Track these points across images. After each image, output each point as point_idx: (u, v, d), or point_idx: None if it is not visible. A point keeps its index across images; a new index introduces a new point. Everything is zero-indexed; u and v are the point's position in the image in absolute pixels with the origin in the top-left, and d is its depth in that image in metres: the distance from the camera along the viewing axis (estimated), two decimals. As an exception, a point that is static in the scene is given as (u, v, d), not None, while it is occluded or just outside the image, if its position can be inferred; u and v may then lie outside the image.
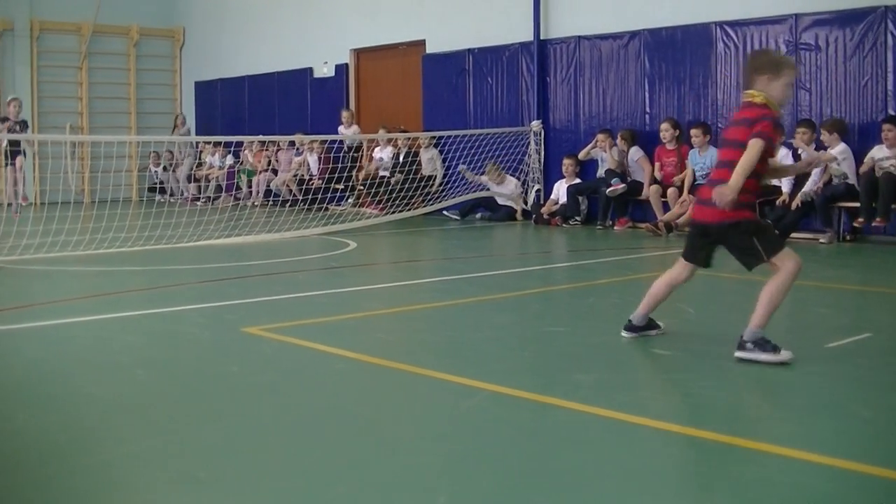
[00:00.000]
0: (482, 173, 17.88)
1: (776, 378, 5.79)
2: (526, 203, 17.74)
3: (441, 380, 5.63)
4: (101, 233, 13.41)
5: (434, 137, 18.84)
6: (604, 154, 16.34)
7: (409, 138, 19.22)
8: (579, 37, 17.35)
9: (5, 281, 10.69)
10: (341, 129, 20.58)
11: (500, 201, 17.90)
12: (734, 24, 15.27)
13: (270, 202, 20.82)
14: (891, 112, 13.62)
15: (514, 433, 4.64)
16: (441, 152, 18.93)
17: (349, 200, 19.77)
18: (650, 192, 15.41)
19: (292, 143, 21.20)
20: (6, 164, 18.19)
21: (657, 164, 15.71)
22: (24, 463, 4.26)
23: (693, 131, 15.06)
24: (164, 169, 24.97)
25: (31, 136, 22.91)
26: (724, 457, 4.28)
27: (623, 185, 15.75)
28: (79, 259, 11.85)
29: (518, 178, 17.89)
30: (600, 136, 16.38)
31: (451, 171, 18.62)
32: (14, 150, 18.17)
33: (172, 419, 4.95)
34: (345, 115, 20.77)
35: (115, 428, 4.79)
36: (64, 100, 25.08)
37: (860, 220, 13.14)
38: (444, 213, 17.88)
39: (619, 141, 16.08)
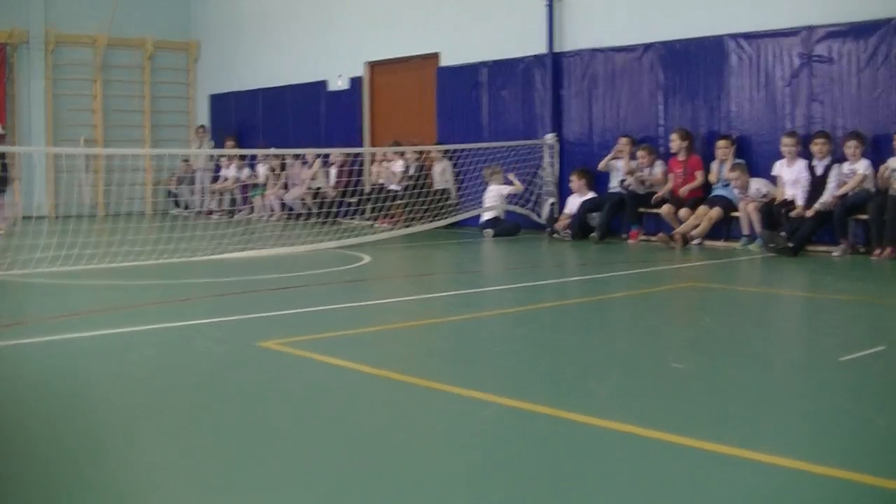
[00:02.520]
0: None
1: (793, 391, 5.79)
2: (540, 216, 17.71)
3: (456, 393, 5.63)
4: (115, 246, 13.44)
5: (448, 151, 18.82)
6: (620, 163, 16.34)
7: (419, 152, 19.22)
8: (593, 49, 17.37)
9: (21, 294, 10.74)
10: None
11: (486, 215, 17.77)
12: (747, 37, 15.28)
13: (286, 216, 20.85)
14: (904, 124, 13.62)
15: (528, 446, 4.64)
16: (455, 165, 18.92)
17: (363, 214, 19.72)
18: (662, 208, 15.42)
19: (303, 157, 21.26)
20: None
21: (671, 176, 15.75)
22: (41, 470, 4.28)
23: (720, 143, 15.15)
24: (180, 182, 24.99)
25: (46, 150, 23.12)
26: (738, 470, 4.27)
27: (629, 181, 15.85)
28: (93, 273, 11.88)
29: (533, 191, 17.85)
30: (622, 141, 16.39)
31: (465, 185, 18.60)
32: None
33: (188, 429, 4.97)
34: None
35: (131, 437, 4.82)
36: (79, 112, 25.12)
37: (878, 252, 13.07)
38: (483, 232, 17.59)
39: (640, 153, 16.03)
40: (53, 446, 4.70)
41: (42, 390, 5.97)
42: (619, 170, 16.39)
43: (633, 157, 16.28)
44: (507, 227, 17.32)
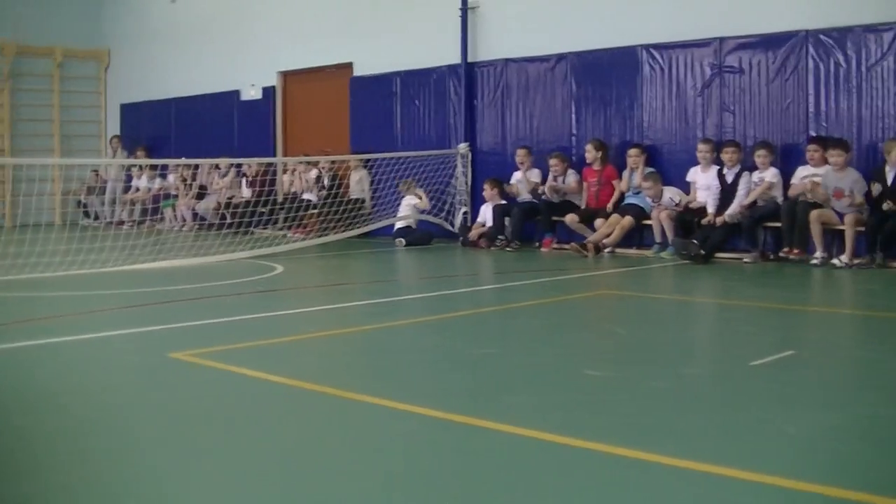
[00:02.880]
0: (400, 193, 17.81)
1: (703, 396, 5.84)
2: (453, 226, 17.74)
3: (372, 403, 5.60)
4: (23, 257, 13.24)
5: (364, 160, 18.81)
6: (518, 174, 16.49)
7: (333, 161, 19.16)
8: (507, 59, 17.46)
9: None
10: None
11: (399, 224, 17.75)
12: (660, 48, 15.45)
13: (196, 226, 20.69)
14: (811, 133, 13.84)
15: (446, 456, 4.62)
16: (370, 174, 18.91)
17: (276, 224, 19.60)
18: (567, 217, 15.52)
19: (218, 167, 21.14)
20: None
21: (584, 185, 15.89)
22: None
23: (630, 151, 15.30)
24: (90, 192, 24.68)
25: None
26: (652, 475, 4.29)
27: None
28: (0, 284, 11.68)
29: (446, 200, 17.87)
30: (520, 153, 16.52)
31: (379, 195, 18.58)
32: None
33: (101, 448, 4.88)
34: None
35: (38, 459, 4.71)
36: (-15, 122, 24.76)
37: (787, 250, 13.35)
38: (396, 241, 17.54)
39: (553, 162, 16.10)
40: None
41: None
42: (522, 181, 16.48)
43: (534, 166, 16.42)
44: (419, 236, 17.31)
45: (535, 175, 16.53)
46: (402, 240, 17.12)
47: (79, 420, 5.47)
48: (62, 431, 5.21)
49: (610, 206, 15.46)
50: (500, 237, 16.04)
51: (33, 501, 4.06)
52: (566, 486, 4.15)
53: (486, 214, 16.83)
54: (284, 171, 20.55)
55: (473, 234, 16.74)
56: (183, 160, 20.38)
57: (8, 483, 4.29)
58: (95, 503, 4.10)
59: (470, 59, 17.96)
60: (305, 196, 19.47)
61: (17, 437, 5.16)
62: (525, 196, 16.53)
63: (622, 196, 15.50)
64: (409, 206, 17.57)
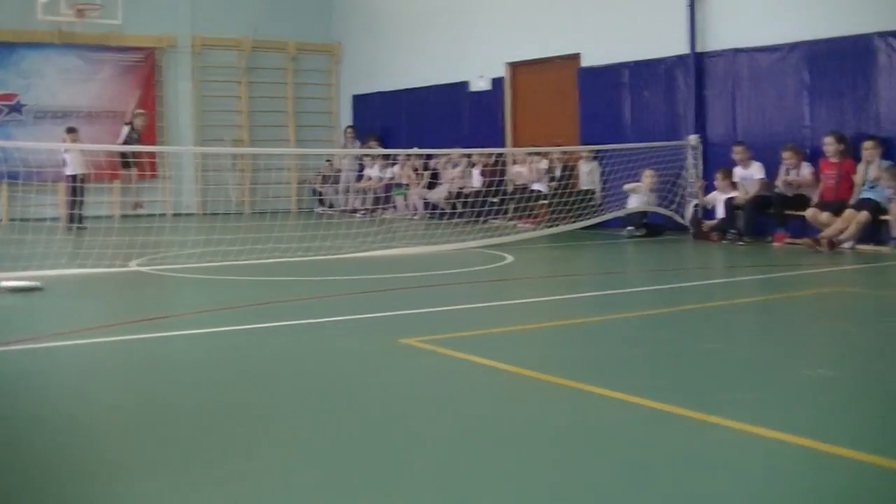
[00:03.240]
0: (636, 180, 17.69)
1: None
2: (683, 218, 17.53)
3: (597, 394, 5.63)
4: (260, 243, 13.66)
5: (594, 151, 18.76)
6: (742, 171, 16.19)
7: (563, 152, 19.17)
8: (736, 49, 17.15)
9: (168, 289, 11.00)
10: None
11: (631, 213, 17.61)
12: (897, 35, 14.96)
13: (428, 215, 20.98)
14: None
15: (668, 450, 4.61)
16: (600, 166, 18.84)
17: (506, 214, 19.71)
18: (807, 212, 15.08)
19: (449, 157, 21.38)
20: None
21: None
22: (181, 464, 4.37)
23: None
24: (325, 181, 25.31)
25: (194, 149, 23.65)
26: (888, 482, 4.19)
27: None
28: (238, 269, 12.10)
29: (675, 193, 17.69)
30: (737, 149, 16.26)
31: (607, 185, 18.51)
32: None
33: (327, 427, 5.03)
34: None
35: (270, 435, 4.89)
36: (224, 113, 25.61)
37: None
38: (627, 230, 17.51)
39: (786, 154, 15.73)
40: (193, 440, 4.82)
41: (191, 380, 6.13)
42: (745, 178, 16.15)
43: (755, 159, 16.07)
44: (650, 227, 17.19)
45: (756, 170, 16.15)
46: (632, 228, 17.05)
47: (310, 400, 5.65)
48: (294, 410, 5.38)
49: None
50: (731, 231, 15.76)
51: (269, 474, 4.23)
52: (790, 486, 4.09)
53: (717, 206, 16.53)
54: (514, 162, 20.63)
55: (704, 226, 16.50)
56: (415, 150, 20.66)
57: (242, 453, 4.49)
58: (323, 478, 4.25)
59: (699, 50, 17.71)
60: (535, 186, 19.52)
61: (242, 412, 5.36)
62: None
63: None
64: (641, 198, 17.45)
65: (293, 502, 4.04)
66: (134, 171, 21.19)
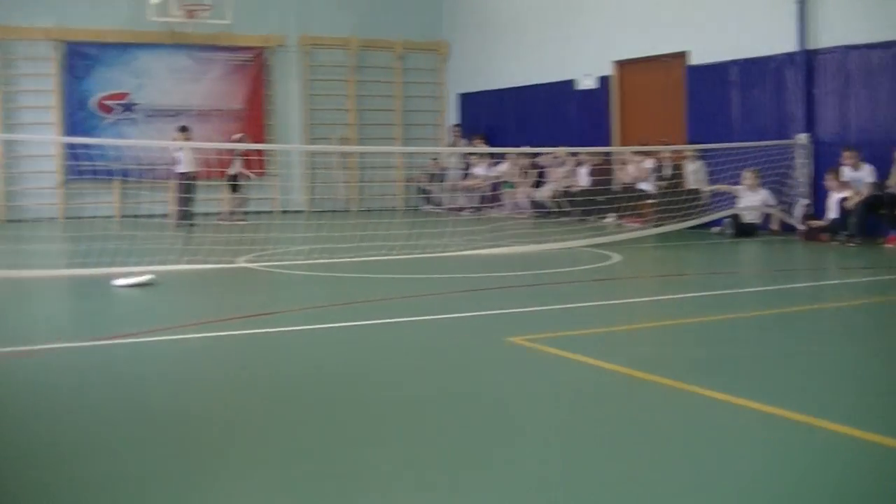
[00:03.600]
0: (736, 183, 17.49)
1: None
2: (793, 217, 17.28)
3: (704, 396, 5.59)
4: (367, 241, 13.74)
5: (699, 150, 18.58)
6: (857, 173, 15.86)
7: (672, 151, 19.03)
8: (847, 46, 16.85)
9: (277, 284, 11.13)
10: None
11: (748, 217, 17.37)
12: None
13: (535, 213, 20.94)
14: None
15: (778, 455, 4.56)
16: (707, 165, 18.65)
17: (613, 213, 19.61)
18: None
19: (556, 156, 21.32)
20: None
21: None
22: (291, 458, 4.42)
23: None
24: (431, 179, 25.39)
25: (302, 148, 23.89)
26: None
27: None
28: (346, 266, 12.19)
29: (784, 193, 17.46)
30: (846, 154, 15.93)
31: (715, 184, 18.31)
32: None
33: (435, 424, 5.05)
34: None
35: (378, 431, 4.93)
36: (333, 112, 25.80)
37: None
38: (723, 222, 17.38)
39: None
40: (317, 430, 4.91)
41: (310, 374, 6.20)
42: (854, 181, 15.83)
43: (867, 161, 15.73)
44: (741, 227, 17.00)
45: (867, 173, 15.82)
46: (723, 227, 16.92)
47: (411, 397, 5.68)
48: (399, 409, 5.40)
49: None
50: (842, 231, 15.47)
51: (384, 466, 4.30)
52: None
53: (829, 206, 16.23)
54: (622, 161, 20.52)
55: (814, 226, 16.24)
56: (524, 149, 20.64)
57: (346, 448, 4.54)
58: (414, 476, 4.32)
59: (809, 47, 17.43)
60: (642, 185, 19.40)
61: (355, 407, 5.41)
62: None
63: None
64: (755, 198, 17.25)
65: (403, 494, 4.10)
66: (243, 196, 21.21)
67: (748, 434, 4.92)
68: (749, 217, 17.32)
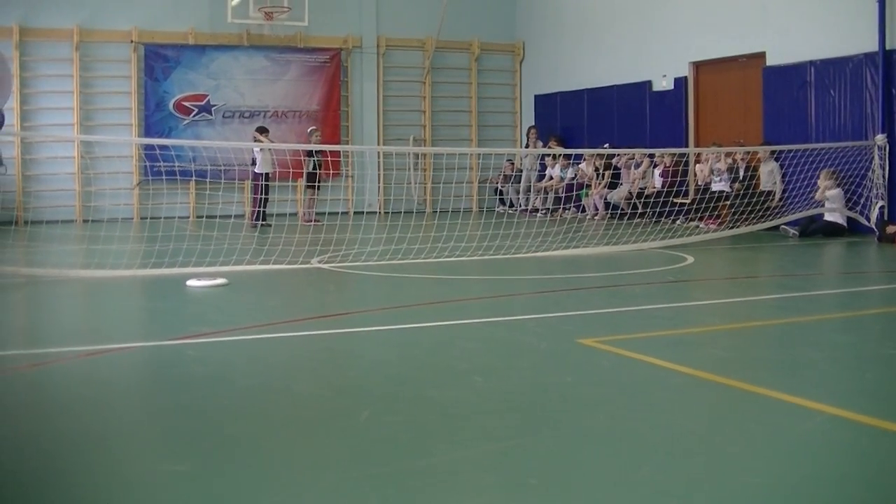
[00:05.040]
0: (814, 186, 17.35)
1: None
2: (868, 220, 17.11)
3: (777, 399, 5.57)
4: (442, 242, 13.80)
5: (774, 151, 18.45)
6: None
7: (747, 152, 18.91)
8: (928, 47, 16.66)
9: (351, 286, 11.21)
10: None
11: (828, 216, 17.22)
12: None
13: (608, 215, 20.91)
14: None
15: (852, 459, 4.53)
16: (781, 167, 18.51)
17: (688, 214, 19.53)
18: None
19: (631, 157, 21.28)
20: None
21: None
22: (363, 458, 4.47)
23: None
24: (505, 180, 25.43)
25: (377, 148, 24.01)
26: None
27: None
28: (420, 267, 12.26)
29: (861, 194, 17.28)
30: None
31: (790, 186, 18.17)
32: None
33: (506, 426, 5.08)
34: None
35: (451, 432, 4.97)
36: (408, 113, 25.95)
37: None
38: (781, 228, 17.36)
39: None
40: (379, 432, 4.96)
41: (373, 375, 6.27)
42: None
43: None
44: (815, 228, 16.87)
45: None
46: (793, 230, 16.81)
47: (482, 396, 5.72)
48: (469, 408, 5.45)
49: None
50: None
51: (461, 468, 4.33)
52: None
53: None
54: (697, 162, 20.42)
55: (891, 229, 16.07)
56: (601, 149, 20.62)
57: (422, 449, 4.59)
58: (497, 472, 4.32)
59: (888, 47, 17.24)
60: (717, 187, 19.29)
61: (428, 406, 5.46)
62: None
63: None
64: (834, 199, 17.11)
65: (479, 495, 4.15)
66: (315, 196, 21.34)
67: (822, 438, 4.89)
68: (827, 218, 17.17)
